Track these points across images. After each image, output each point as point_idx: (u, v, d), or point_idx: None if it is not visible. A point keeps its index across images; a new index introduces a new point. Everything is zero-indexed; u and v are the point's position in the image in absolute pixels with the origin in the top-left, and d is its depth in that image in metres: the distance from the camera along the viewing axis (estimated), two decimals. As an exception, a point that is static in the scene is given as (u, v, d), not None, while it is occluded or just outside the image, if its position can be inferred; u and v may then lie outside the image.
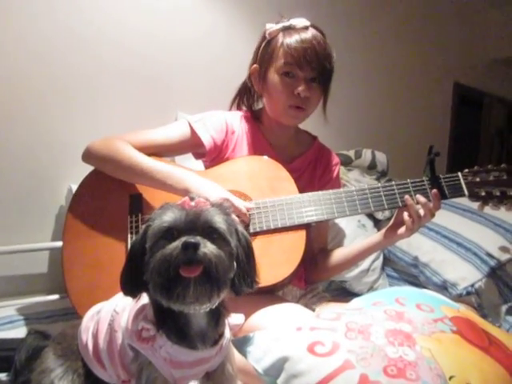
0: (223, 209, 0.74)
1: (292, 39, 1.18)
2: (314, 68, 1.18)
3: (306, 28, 1.20)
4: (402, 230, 1.17)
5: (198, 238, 0.67)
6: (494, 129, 3.60)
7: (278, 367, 0.80)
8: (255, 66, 1.27)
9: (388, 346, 0.77)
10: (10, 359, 0.93)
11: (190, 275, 0.67)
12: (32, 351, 0.91)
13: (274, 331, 0.87)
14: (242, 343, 0.87)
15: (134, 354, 0.78)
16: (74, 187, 1.27)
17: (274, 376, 0.80)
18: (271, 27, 1.23)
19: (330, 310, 0.94)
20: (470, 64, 3.15)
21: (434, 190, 1.15)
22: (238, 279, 0.74)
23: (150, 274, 0.69)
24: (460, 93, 3.10)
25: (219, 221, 0.71)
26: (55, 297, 1.48)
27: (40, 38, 1.53)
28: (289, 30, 1.21)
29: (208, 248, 0.68)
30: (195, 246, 0.66)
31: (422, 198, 1.15)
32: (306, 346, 0.79)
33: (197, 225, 0.70)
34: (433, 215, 1.16)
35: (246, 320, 0.94)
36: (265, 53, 1.24)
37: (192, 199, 0.73)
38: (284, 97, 1.21)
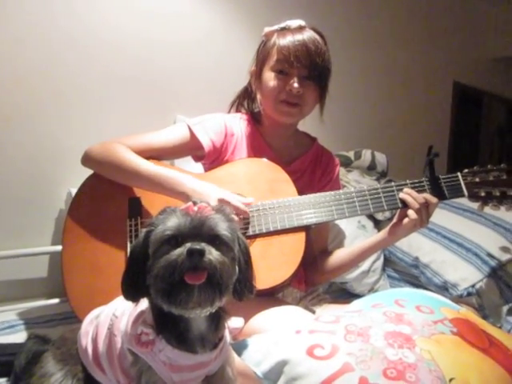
0: (226, 215, 0.74)
1: (285, 39, 1.21)
2: (305, 65, 1.19)
3: (300, 28, 1.22)
4: (406, 219, 1.15)
5: (203, 245, 0.67)
6: (494, 128, 3.59)
7: (277, 371, 0.80)
8: (253, 67, 1.30)
9: (387, 349, 0.77)
10: (10, 364, 0.93)
11: (195, 282, 0.67)
12: (32, 356, 0.90)
13: (273, 334, 0.87)
14: (241, 347, 0.87)
15: (133, 358, 0.78)
16: (74, 191, 1.27)
17: (274, 379, 0.80)
18: (268, 29, 1.26)
19: (329, 313, 0.94)
20: (470, 63, 3.14)
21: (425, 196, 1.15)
22: (239, 284, 0.75)
23: (154, 280, 0.69)
24: (460, 92, 3.09)
25: (223, 228, 0.71)
26: (55, 301, 1.47)
27: (38, 44, 1.53)
28: (283, 30, 1.23)
29: (213, 255, 0.68)
30: (200, 253, 0.66)
31: (421, 198, 1.14)
32: (305, 349, 0.79)
33: (201, 231, 0.69)
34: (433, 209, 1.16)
35: (245, 323, 0.94)
36: (260, 53, 1.28)
37: (195, 204, 0.73)
38: (275, 92, 1.22)
